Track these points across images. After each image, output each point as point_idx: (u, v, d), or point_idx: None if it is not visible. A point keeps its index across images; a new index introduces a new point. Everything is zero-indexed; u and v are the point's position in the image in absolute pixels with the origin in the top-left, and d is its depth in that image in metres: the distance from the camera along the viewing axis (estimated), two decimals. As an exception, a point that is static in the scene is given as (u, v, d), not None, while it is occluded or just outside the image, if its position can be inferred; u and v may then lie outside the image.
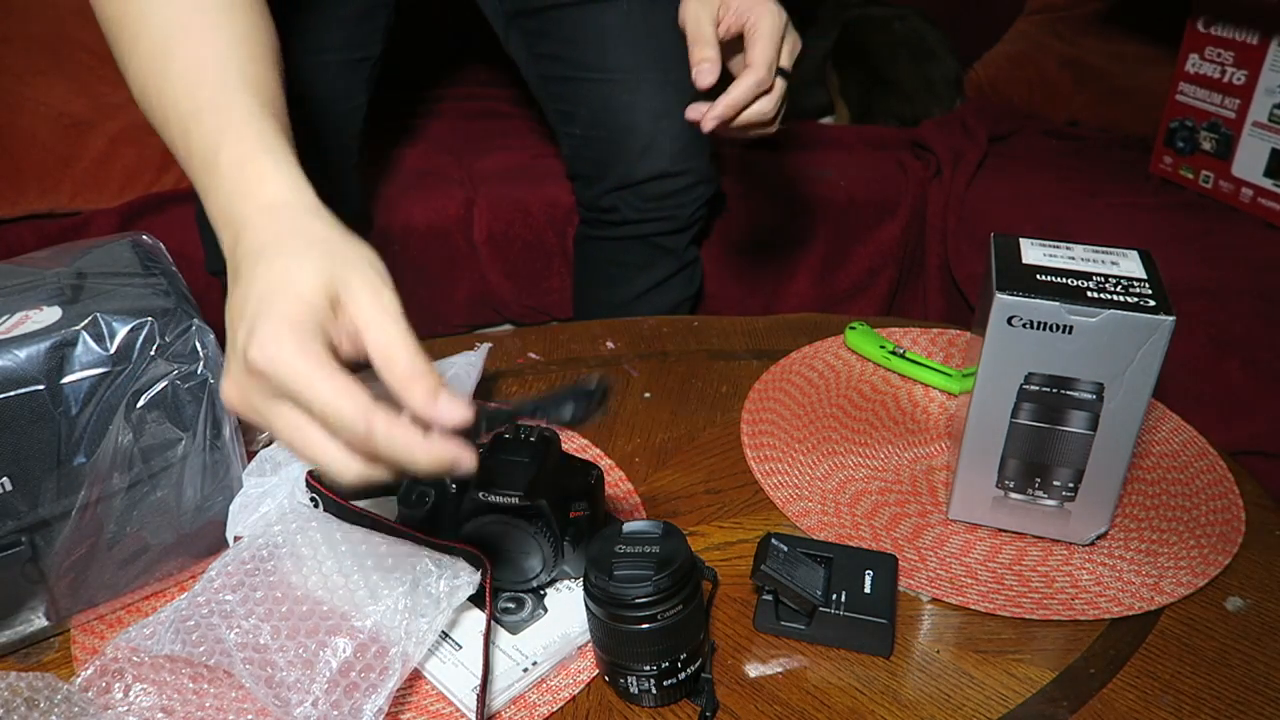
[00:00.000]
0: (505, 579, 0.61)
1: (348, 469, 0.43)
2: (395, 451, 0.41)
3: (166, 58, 0.56)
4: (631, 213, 1.16)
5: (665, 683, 0.55)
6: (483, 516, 0.59)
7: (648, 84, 1.10)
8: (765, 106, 0.80)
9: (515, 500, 0.58)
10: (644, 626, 0.53)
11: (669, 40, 1.08)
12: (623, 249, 1.21)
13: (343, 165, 1.16)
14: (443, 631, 0.60)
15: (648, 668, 0.54)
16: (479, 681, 0.56)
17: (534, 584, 0.61)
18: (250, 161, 0.50)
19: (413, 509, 0.62)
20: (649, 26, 1.09)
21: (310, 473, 0.65)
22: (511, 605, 0.61)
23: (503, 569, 0.61)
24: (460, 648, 0.58)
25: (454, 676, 0.57)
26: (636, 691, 0.55)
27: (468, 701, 0.55)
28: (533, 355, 0.93)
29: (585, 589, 0.55)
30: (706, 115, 0.78)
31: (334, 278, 0.44)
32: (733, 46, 0.81)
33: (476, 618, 0.61)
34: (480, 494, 0.59)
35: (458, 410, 0.42)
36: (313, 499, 0.64)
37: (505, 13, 1.11)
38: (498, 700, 0.55)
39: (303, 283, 0.43)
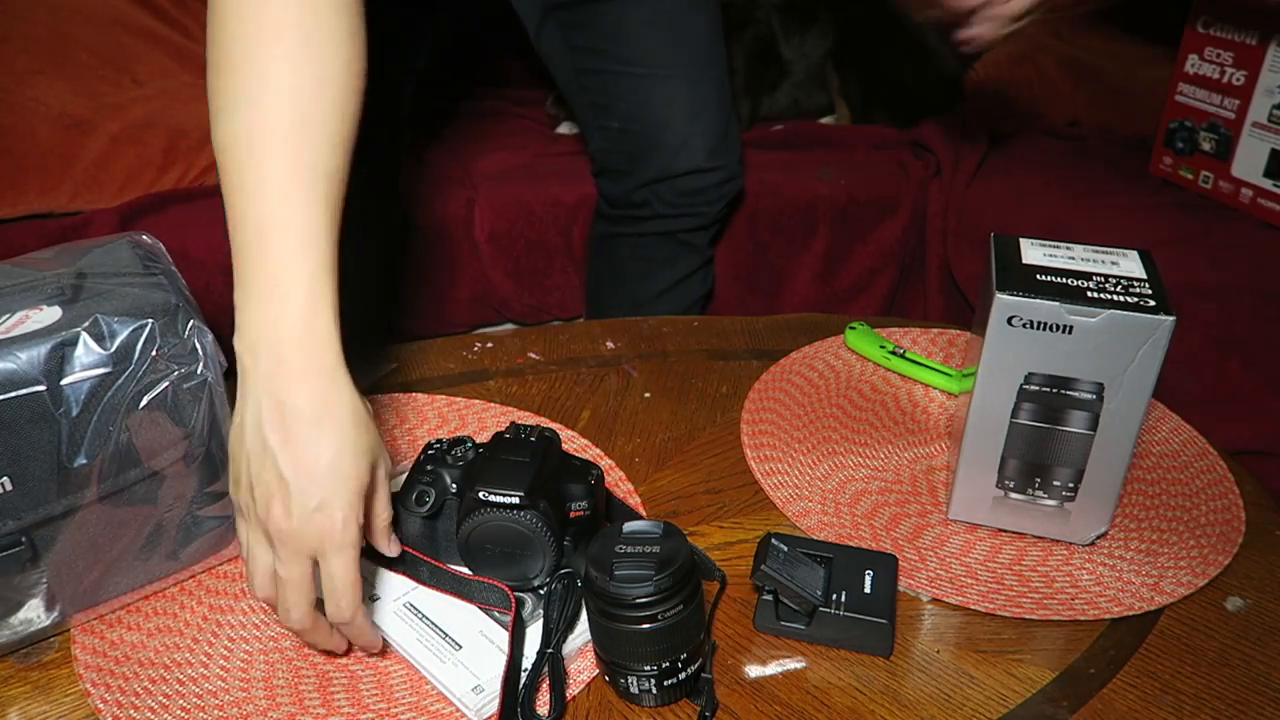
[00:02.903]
0: (506, 579, 0.61)
1: (299, 622, 0.54)
2: (352, 635, 0.57)
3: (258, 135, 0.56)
4: (663, 208, 1.17)
5: (666, 683, 0.55)
6: (483, 516, 0.59)
7: (685, 80, 1.11)
8: None
9: (515, 500, 0.58)
10: (644, 626, 0.53)
11: (705, 37, 1.09)
12: (648, 245, 1.21)
13: (389, 160, 1.17)
14: (442, 631, 0.60)
15: (648, 668, 0.54)
16: (479, 682, 0.56)
17: (535, 584, 0.61)
18: (318, 317, 0.55)
19: (414, 510, 0.62)
20: (686, 22, 1.09)
21: None
22: None
23: (504, 569, 0.61)
24: (460, 648, 0.59)
25: (453, 676, 0.57)
26: (637, 691, 0.55)
27: (467, 701, 0.55)
28: (533, 355, 0.93)
29: (585, 589, 0.55)
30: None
31: (372, 462, 0.56)
32: None
33: (476, 616, 0.61)
34: (480, 493, 0.59)
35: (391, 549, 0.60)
36: None
37: (542, 5, 1.11)
38: (495, 703, 0.55)
39: (362, 473, 0.54)
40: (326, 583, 0.53)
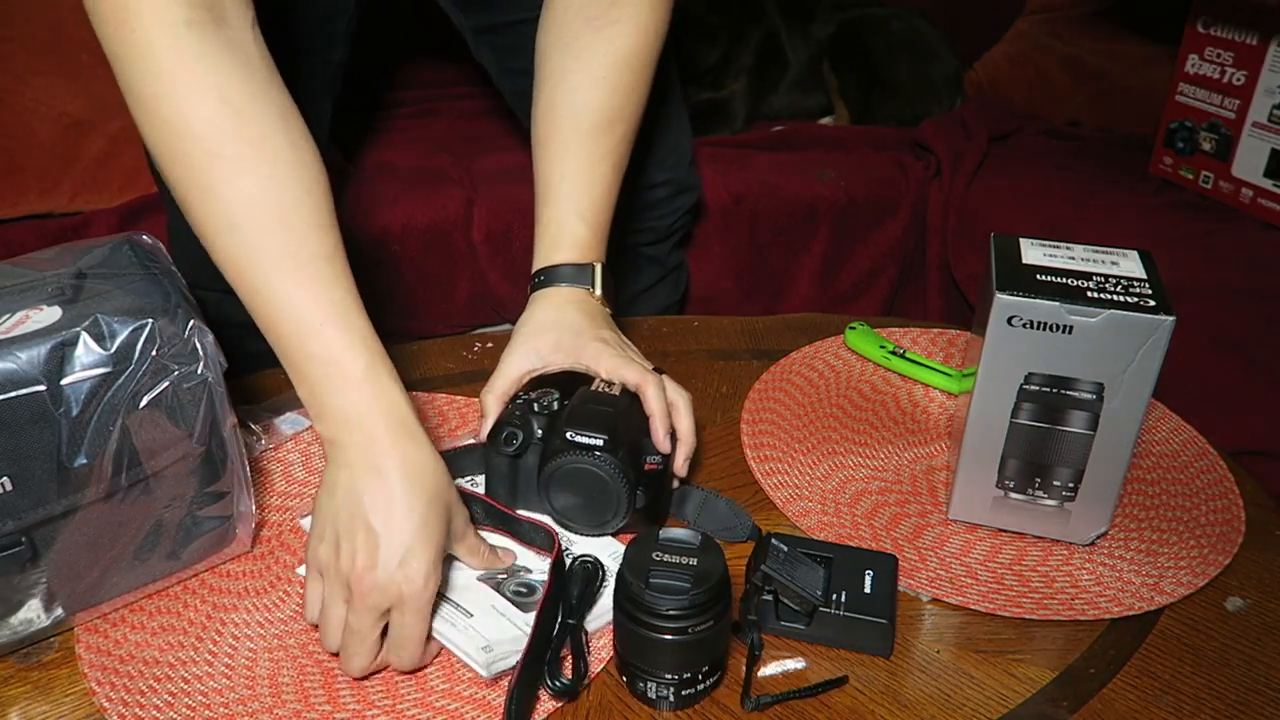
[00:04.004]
0: (581, 523, 0.65)
1: (359, 671, 0.57)
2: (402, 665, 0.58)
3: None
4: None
5: (684, 692, 0.55)
6: (566, 456, 0.63)
7: None
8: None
9: (600, 442, 0.62)
10: (671, 638, 0.53)
11: None
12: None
13: None
14: (454, 602, 0.61)
15: (669, 676, 0.54)
16: (488, 641, 0.58)
17: (607, 531, 0.65)
18: (384, 386, 0.60)
19: (503, 450, 0.66)
20: None
21: None
22: (524, 589, 0.62)
23: (579, 513, 0.64)
24: (471, 615, 0.60)
25: (464, 637, 0.58)
26: (654, 697, 0.56)
27: (477, 658, 0.56)
28: (533, 355, 0.93)
29: (616, 593, 0.55)
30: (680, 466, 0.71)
31: (449, 517, 0.59)
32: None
33: (487, 593, 0.62)
34: (567, 434, 0.63)
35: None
36: None
37: (472, 28, 1.09)
38: (505, 662, 0.57)
39: (443, 532, 0.58)
40: (396, 632, 0.56)
